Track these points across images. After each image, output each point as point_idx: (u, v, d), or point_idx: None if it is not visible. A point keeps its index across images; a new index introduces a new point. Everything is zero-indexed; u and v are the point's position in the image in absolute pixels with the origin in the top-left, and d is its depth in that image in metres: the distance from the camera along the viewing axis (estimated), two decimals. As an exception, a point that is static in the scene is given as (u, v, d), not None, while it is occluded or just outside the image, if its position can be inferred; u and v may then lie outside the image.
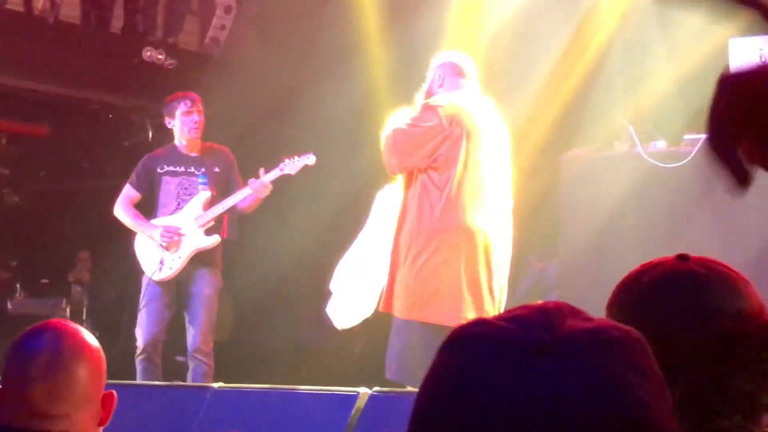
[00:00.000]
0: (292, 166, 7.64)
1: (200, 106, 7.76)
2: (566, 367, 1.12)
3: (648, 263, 1.92)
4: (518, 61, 9.24)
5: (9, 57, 9.66)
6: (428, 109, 6.28)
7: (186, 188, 7.71)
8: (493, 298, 6.24)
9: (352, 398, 5.56)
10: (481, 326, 1.20)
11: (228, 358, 8.44)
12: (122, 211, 7.79)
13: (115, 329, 9.57)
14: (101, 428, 2.82)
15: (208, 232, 7.67)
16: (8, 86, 9.94)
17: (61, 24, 10.04)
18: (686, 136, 7.72)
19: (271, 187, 7.61)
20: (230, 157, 7.88)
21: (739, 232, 7.08)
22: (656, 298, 1.86)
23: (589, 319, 1.18)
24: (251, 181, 7.61)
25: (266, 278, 9.96)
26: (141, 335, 7.55)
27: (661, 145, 7.83)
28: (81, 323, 10.16)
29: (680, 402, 1.80)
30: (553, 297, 8.71)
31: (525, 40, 9.19)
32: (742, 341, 1.80)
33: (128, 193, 7.84)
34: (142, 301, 7.63)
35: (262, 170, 7.63)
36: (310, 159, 7.61)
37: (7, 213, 10.80)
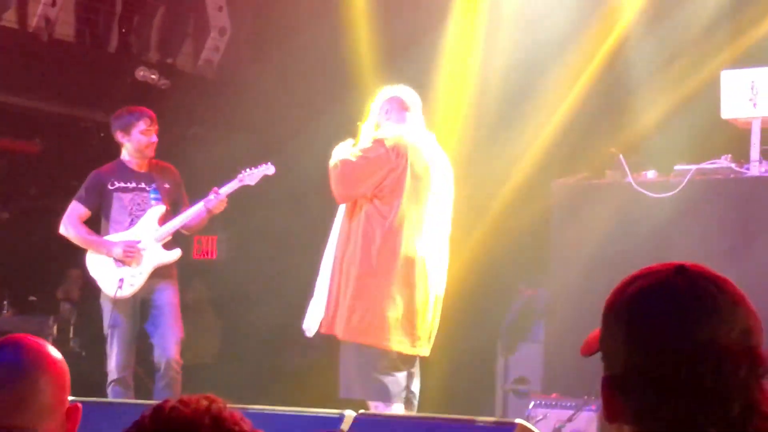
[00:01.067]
0: (251, 176, 7.59)
1: (156, 125, 7.68)
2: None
3: (645, 269, 1.93)
4: (511, 87, 9.26)
5: (2, 73, 9.66)
6: (375, 141, 6.49)
7: (138, 204, 7.61)
8: (426, 324, 6.50)
9: (337, 420, 5.55)
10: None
11: (214, 378, 8.41)
12: (72, 228, 7.65)
13: (103, 349, 9.53)
14: None
15: (166, 246, 7.60)
16: (1, 102, 9.93)
17: (56, 42, 10.04)
18: (676, 167, 7.74)
19: (225, 201, 7.57)
20: (177, 174, 7.84)
21: (729, 262, 7.09)
22: (640, 308, 1.87)
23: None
24: (206, 199, 7.56)
25: (251, 298, 9.94)
26: (113, 361, 7.46)
27: (651, 174, 7.84)
28: (68, 342, 10.20)
29: (657, 412, 1.81)
30: (541, 324, 8.71)
31: (519, 68, 9.22)
32: (720, 360, 1.81)
33: (77, 209, 7.70)
34: (108, 327, 7.51)
35: (215, 189, 7.59)
36: (269, 169, 7.57)
37: (-3, 229, 10.77)
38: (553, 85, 9.24)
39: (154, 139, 7.64)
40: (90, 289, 10.68)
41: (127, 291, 7.46)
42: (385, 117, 6.68)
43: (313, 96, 9.73)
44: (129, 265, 7.47)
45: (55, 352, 2.82)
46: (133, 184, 7.63)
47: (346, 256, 6.50)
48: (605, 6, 9.08)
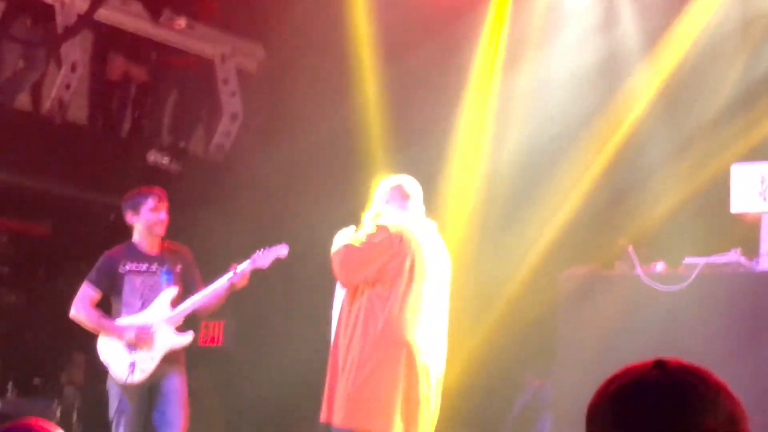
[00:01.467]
0: (263, 258, 7.48)
1: (166, 203, 7.60)
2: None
3: (624, 368, 1.92)
4: (521, 176, 9.29)
5: (14, 155, 9.70)
6: (379, 227, 6.55)
7: (150, 286, 7.48)
8: (428, 412, 6.49)
9: None
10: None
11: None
12: (83, 311, 7.53)
13: (106, 432, 9.47)
14: None
15: (178, 329, 7.48)
16: (11, 184, 9.97)
17: (68, 124, 10.11)
18: (686, 260, 7.72)
19: (247, 278, 7.48)
20: (190, 255, 7.74)
21: (738, 357, 7.04)
22: (622, 408, 1.85)
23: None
24: (228, 275, 7.44)
25: (263, 391, 9.88)
26: None
27: (660, 267, 7.82)
28: (71, 426, 10.12)
29: None
30: (548, 415, 8.64)
31: (529, 156, 9.25)
32: None
33: (88, 292, 7.58)
34: (115, 412, 7.37)
35: (234, 265, 7.49)
36: (282, 250, 7.45)
37: (3, 311, 10.75)
38: (563, 175, 9.27)
39: (163, 216, 7.56)
40: (94, 373, 10.65)
41: (138, 376, 7.33)
42: (386, 205, 6.75)
43: (322, 183, 9.78)
44: (141, 349, 7.35)
45: None
46: (145, 267, 7.54)
47: (344, 341, 6.50)
48: (616, 99, 9.13)
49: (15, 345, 10.51)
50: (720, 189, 7.86)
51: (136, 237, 7.66)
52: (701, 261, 7.61)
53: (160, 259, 7.59)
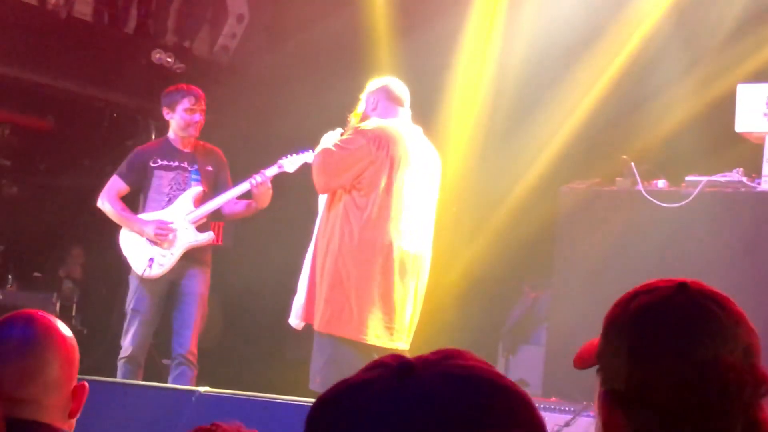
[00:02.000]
0: (291, 163, 7.48)
1: (203, 105, 7.58)
2: (429, 377, 1.21)
3: (648, 284, 1.92)
4: (526, 90, 9.25)
5: (18, 49, 9.66)
6: (357, 132, 6.52)
7: (178, 183, 7.52)
8: (404, 317, 6.49)
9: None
10: (341, 385, 1.28)
11: (214, 363, 8.41)
12: (108, 203, 7.51)
13: (105, 327, 9.55)
14: (72, 420, 2.81)
15: (200, 229, 7.51)
16: (15, 78, 9.94)
17: (73, 20, 10.05)
18: (687, 178, 7.73)
19: (270, 187, 7.46)
20: (223, 158, 7.74)
21: (735, 275, 7.07)
22: (644, 326, 1.86)
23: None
24: (250, 179, 7.46)
25: (256, 286, 9.94)
26: (130, 338, 7.33)
27: (662, 184, 7.83)
28: (70, 319, 10.23)
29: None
30: (544, 328, 8.71)
31: (534, 70, 9.21)
32: (724, 380, 1.80)
33: (116, 184, 7.58)
34: (132, 301, 7.40)
35: (261, 171, 7.48)
36: (310, 156, 7.28)
37: (5, 204, 10.78)
38: (568, 90, 9.23)
39: (198, 117, 7.53)
40: (91, 268, 10.71)
41: (156, 271, 7.37)
42: (371, 108, 6.69)
43: (327, 86, 9.73)
44: (160, 245, 7.38)
45: (65, 329, 2.83)
46: (176, 163, 7.55)
47: (323, 248, 6.50)
48: (625, 13, 9.05)
49: (16, 238, 10.55)
50: (725, 108, 7.84)
51: (171, 134, 7.65)
52: (703, 179, 7.62)
53: (191, 157, 7.60)
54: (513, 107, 9.38)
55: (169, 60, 10.31)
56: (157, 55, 10.28)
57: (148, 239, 7.40)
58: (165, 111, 7.62)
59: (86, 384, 2.83)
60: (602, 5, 9.02)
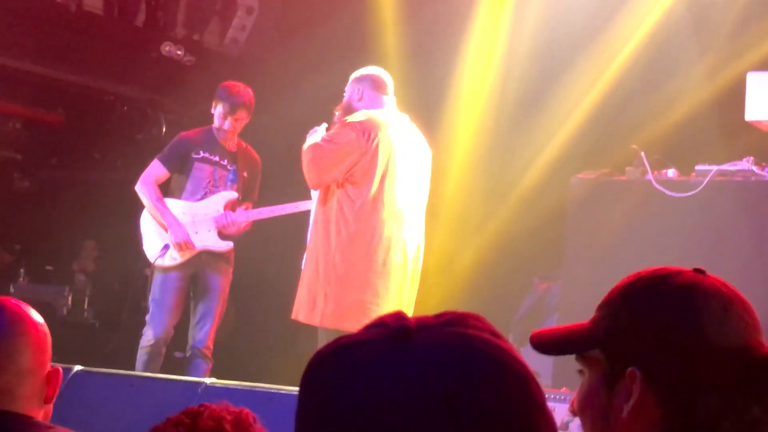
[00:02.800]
0: (291, 208, 7.49)
1: (241, 114, 7.49)
2: (425, 343, 1.20)
3: (662, 267, 1.92)
4: (535, 79, 9.25)
5: (29, 43, 9.69)
6: (345, 125, 6.49)
7: (216, 179, 7.49)
8: (402, 305, 6.49)
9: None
10: (340, 341, 1.27)
11: (225, 355, 8.43)
12: (145, 189, 7.42)
13: (116, 320, 9.58)
14: (49, 406, 2.77)
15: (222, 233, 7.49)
16: (26, 72, 9.97)
17: (84, 13, 10.07)
18: (697, 167, 7.72)
19: (243, 226, 7.55)
20: (259, 167, 7.73)
21: (744, 264, 7.07)
22: (683, 303, 1.85)
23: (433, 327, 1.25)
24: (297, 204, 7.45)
25: (268, 279, 9.96)
26: (154, 326, 7.32)
27: (671, 173, 7.83)
28: (82, 312, 10.25)
29: (687, 410, 1.81)
30: (554, 319, 8.71)
31: (543, 59, 9.20)
32: (745, 361, 1.81)
33: (156, 170, 7.49)
34: (157, 290, 7.40)
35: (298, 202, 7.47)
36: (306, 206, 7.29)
37: (16, 197, 10.82)
38: (577, 79, 9.23)
39: (227, 126, 7.48)
40: (104, 261, 10.74)
41: (169, 262, 7.35)
42: (357, 99, 6.67)
43: (336, 80, 9.74)
44: (176, 250, 7.36)
45: (36, 316, 2.77)
46: (217, 158, 7.51)
47: (320, 244, 6.49)
48: (634, 2, 9.04)
49: (28, 232, 10.59)
50: (735, 97, 7.83)
51: (216, 124, 7.58)
52: (713, 168, 7.61)
53: (233, 156, 7.57)
54: (521, 97, 9.38)
55: (179, 53, 10.33)
56: (167, 48, 10.29)
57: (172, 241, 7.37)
58: (213, 102, 7.57)
59: (60, 369, 2.78)
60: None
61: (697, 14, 8.87)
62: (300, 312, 6.60)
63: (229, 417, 2.25)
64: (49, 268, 10.84)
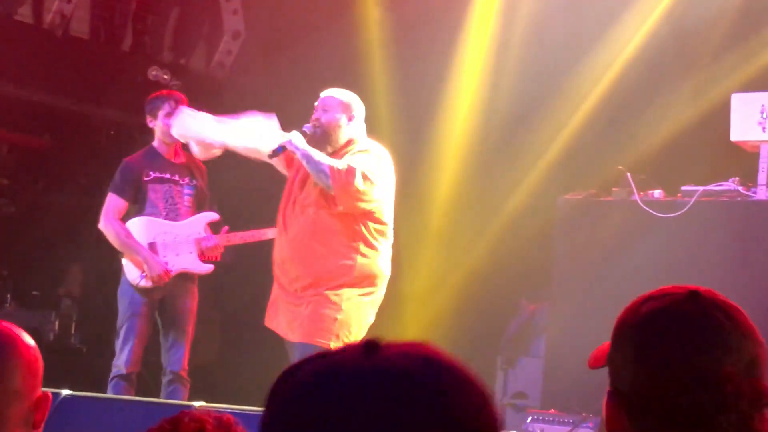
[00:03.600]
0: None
1: (178, 106, 7.26)
2: (389, 355, 1.23)
3: (659, 290, 1.95)
4: (521, 100, 9.28)
5: (15, 67, 9.69)
6: (380, 159, 6.35)
7: (171, 197, 7.32)
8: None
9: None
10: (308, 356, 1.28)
11: (213, 378, 8.41)
12: (111, 228, 7.27)
13: (105, 344, 9.54)
14: (37, 431, 2.71)
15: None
16: (12, 96, 9.96)
17: (70, 38, 10.08)
18: (683, 187, 7.75)
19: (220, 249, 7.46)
20: (206, 175, 7.56)
21: (731, 285, 7.09)
22: (650, 330, 1.89)
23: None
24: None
25: (257, 301, 9.94)
26: (122, 357, 7.21)
27: (658, 194, 7.86)
28: (69, 337, 10.21)
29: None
30: (542, 340, 8.72)
31: (529, 80, 9.24)
32: (722, 390, 1.82)
33: (115, 203, 7.32)
34: (125, 315, 7.27)
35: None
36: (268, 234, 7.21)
37: (2, 222, 10.79)
38: (563, 100, 9.27)
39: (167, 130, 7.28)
40: (91, 286, 10.71)
41: (147, 284, 7.22)
42: (349, 120, 6.48)
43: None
44: (152, 282, 7.22)
45: (27, 339, 2.71)
46: (168, 175, 7.34)
47: (334, 272, 6.31)
48: (618, 23, 9.09)
49: (14, 257, 10.56)
50: (720, 118, 7.87)
51: (156, 142, 7.44)
52: (699, 189, 7.64)
53: (184, 169, 7.41)
54: (508, 118, 9.41)
55: (165, 77, 10.33)
56: (154, 72, 10.29)
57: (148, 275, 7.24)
58: (148, 119, 7.43)
59: (50, 394, 2.76)
60: (596, 15, 9.06)
61: (681, 36, 8.93)
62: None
63: (210, 419, 2.24)
64: (35, 293, 10.80)
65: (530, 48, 9.27)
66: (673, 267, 7.43)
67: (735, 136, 7.61)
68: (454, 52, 9.75)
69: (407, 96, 9.67)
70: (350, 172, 6.16)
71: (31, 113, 10.42)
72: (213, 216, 7.43)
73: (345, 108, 6.51)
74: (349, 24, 10.04)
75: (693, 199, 7.57)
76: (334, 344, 6.13)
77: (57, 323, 10.19)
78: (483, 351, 9.15)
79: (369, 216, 6.27)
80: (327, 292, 6.23)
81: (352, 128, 6.48)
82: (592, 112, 9.18)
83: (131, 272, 7.31)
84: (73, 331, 10.42)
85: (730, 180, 7.64)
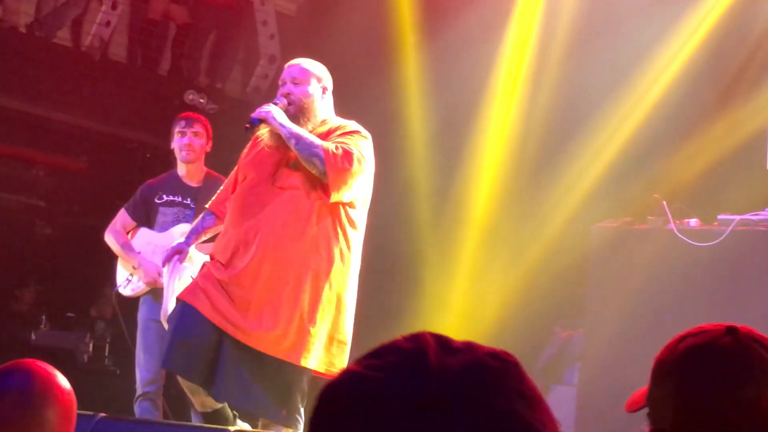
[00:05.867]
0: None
1: (197, 128, 7.32)
2: (452, 418, 1.17)
3: (697, 328, 1.94)
4: (557, 128, 9.27)
5: (53, 90, 9.77)
6: (366, 138, 5.72)
7: (180, 220, 7.29)
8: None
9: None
10: (354, 382, 1.19)
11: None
12: (112, 236, 7.40)
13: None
14: None
15: None
16: (49, 119, 10.04)
17: (108, 62, 10.15)
18: (719, 216, 7.71)
19: None
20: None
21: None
22: (689, 368, 1.88)
23: (460, 350, 1.21)
24: None
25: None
26: (142, 374, 7.17)
27: (693, 222, 7.82)
28: (103, 359, 10.23)
29: None
30: (576, 368, 8.68)
31: (565, 109, 9.23)
32: (765, 423, 1.81)
33: (122, 218, 7.49)
34: (141, 336, 7.29)
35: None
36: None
37: (39, 244, 10.85)
38: (599, 128, 9.24)
39: (188, 140, 7.29)
40: (124, 308, 10.74)
41: (127, 292, 7.32)
42: (322, 96, 5.88)
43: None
44: (140, 278, 7.25)
45: (64, 382, 2.73)
46: (179, 198, 7.35)
47: (310, 269, 5.62)
48: (654, 53, 9.08)
49: (50, 278, 10.61)
50: (756, 147, 7.84)
51: (178, 166, 7.50)
52: (735, 218, 7.60)
53: (195, 192, 7.33)
54: (542, 146, 9.40)
55: (201, 101, 10.38)
56: (190, 96, 10.34)
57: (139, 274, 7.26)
58: (171, 143, 7.48)
59: None
60: (633, 43, 9.05)
61: (717, 66, 8.90)
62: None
63: None
64: (70, 314, 10.84)
65: (567, 76, 9.26)
66: (709, 296, 7.39)
67: (772, 165, 7.58)
68: (489, 81, 9.75)
69: (440, 125, 9.69)
70: (347, 156, 5.50)
71: (68, 136, 10.49)
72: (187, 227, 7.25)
73: (318, 79, 5.86)
74: (386, 51, 10.07)
75: (729, 228, 7.52)
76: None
77: (91, 345, 10.22)
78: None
79: (349, 204, 5.61)
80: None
81: (326, 103, 5.89)
82: (629, 139, 9.15)
83: (119, 277, 7.40)
84: (107, 353, 10.45)
85: (767, 209, 7.60)
